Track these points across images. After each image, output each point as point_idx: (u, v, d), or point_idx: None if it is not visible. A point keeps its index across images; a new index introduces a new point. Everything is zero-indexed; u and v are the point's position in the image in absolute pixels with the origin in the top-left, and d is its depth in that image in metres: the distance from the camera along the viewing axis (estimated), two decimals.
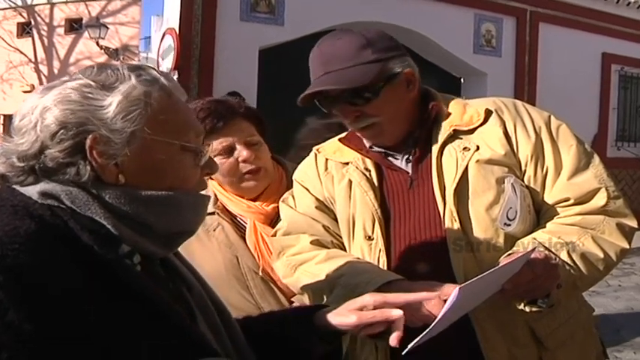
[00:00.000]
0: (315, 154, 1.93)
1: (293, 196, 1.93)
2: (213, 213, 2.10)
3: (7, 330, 0.89)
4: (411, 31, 9.61)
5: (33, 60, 18.98)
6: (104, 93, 1.08)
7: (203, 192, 1.27)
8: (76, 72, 1.15)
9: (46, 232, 1.01)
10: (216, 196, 2.14)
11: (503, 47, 11.07)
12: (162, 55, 9.00)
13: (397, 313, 1.29)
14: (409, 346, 1.28)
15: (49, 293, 0.94)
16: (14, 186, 1.09)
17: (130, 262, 1.11)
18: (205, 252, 2.04)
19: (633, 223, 1.69)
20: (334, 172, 1.85)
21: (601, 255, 1.62)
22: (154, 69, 1.18)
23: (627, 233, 1.67)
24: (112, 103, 1.08)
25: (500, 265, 1.45)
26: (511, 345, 1.65)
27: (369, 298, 1.33)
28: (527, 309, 1.57)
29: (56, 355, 0.93)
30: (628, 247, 1.66)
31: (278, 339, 1.38)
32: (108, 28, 16.48)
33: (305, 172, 1.93)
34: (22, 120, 1.09)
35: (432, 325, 1.29)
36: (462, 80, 11.19)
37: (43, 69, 18.90)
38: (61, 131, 1.05)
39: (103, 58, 17.43)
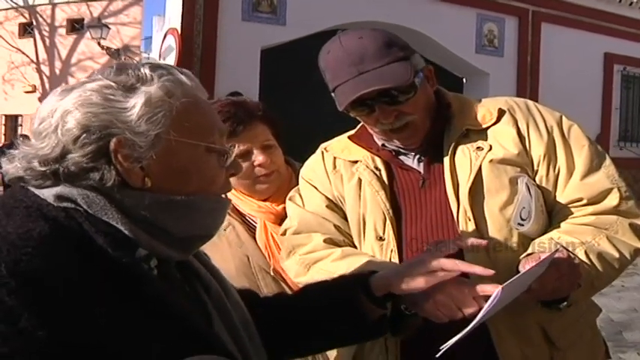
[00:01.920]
0: (323, 153, 1.91)
1: (300, 195, 1.91)
2: None
3: (20, 336, 0.88)
4: (413, 31, 9.61)
5: (35, 60, 19.04)
6: (126, 94, 1.06)
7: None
8: (94, 72, 1.12)
9: (59, 235, 0.99)
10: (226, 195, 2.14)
11: (505, 47, 11.10)
12: (163, 55, 9.02)
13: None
14: (444, 347, 1.30)
15: (62, 298, 0.92)
16: (29, 187, 1.06)
17: (147, 266, 1.09)
18: (216, 252, 2.01)
19: None
20: (343, 171, 1.83)
21: (616, 255, 1.62)
22: (176, 68, 1.15)
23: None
24: (135, 105, 1.05)
25: (531, 266, 1.45)
26: (524, 345, 1.65)
27: (434, 263, 1.39)
28: (546, 309, 1.58)
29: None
30: None
31: (340, 303, 1.40)
32: (109, 28, 16.50)
33: (313, 170, 1.90)
34: (41, 123, 1.06)
35: (472, 323, 1.31)
36: (464, 80, 11.21)
37: (45, 69, 18.95)
38: (84, 135, 1.02)
39: (104, 59, 17.47)
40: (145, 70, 1.09)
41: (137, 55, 17.20)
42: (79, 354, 0.92)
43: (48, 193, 1.04)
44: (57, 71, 18.73)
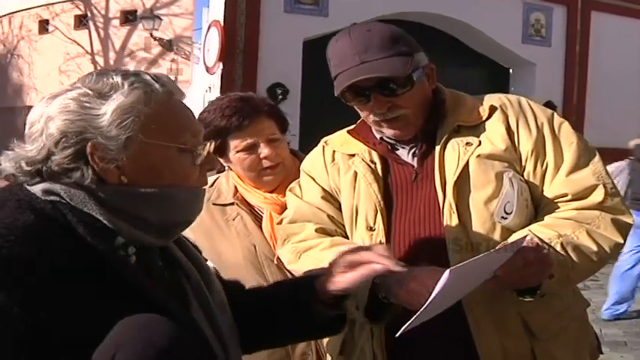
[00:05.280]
0: (323, 146, 1.99)
1: (300, 186, 2.00)
2: (232, 204, 2.25)
3: None
4: (458, 21, 9.53)
5: (89, 52, 19.44)
6: (100, 102, 1.19)
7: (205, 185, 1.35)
8: (77, 80, 1.25)
9: (44, 225, 1.12)
10: (235, 187, 2.28)
11: (553, 37, 10.88)
12: (208, 47, 9.15)
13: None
14: (401, 330, 1.35)
15: (41, 283, 1.05)
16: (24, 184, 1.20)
17: (125, 253, 1.21)
18: (225, 240, 2.20)
19: (629, 220, 1.71)
20: (341, 164, 1.90)
21: (595, 248, 1.64)
22: (148, 74, 1.27)
23: (622, 228, 1.69)
24: (107, 112, 1.18)
25: (491, 250, 1.48)
26: (503, 336, 1.68)
27: (343, 261, 1.45)
28: (521, 298, 1.61)
29: (40, 338, 1.03)
30: (622, 241, 1.69)
31: (292, 304, 1.49)
32: (162, 19, 16.73)
33: (312, 162, 1.99)
34: (30, 128, 1.21)
35: (423, 307, 1.33)
36: (510, 71, 11.04)
37: (99, 60, 19.35)
38: (63, 139, 1.17)
39: (157, 50, 17.76)
40: (118, 78, 1.21)
41: (189, 46, 17.42)
42: (53, 338, 1.04)
43: (36, 189, 1.18)
44: (111, 62, 19.09)
